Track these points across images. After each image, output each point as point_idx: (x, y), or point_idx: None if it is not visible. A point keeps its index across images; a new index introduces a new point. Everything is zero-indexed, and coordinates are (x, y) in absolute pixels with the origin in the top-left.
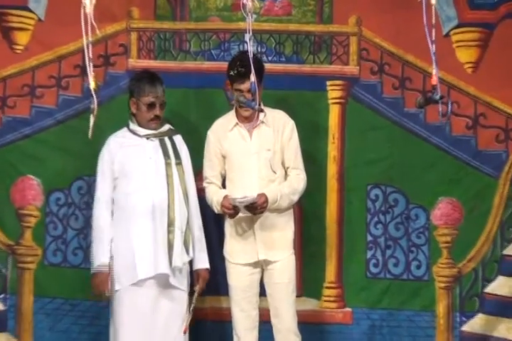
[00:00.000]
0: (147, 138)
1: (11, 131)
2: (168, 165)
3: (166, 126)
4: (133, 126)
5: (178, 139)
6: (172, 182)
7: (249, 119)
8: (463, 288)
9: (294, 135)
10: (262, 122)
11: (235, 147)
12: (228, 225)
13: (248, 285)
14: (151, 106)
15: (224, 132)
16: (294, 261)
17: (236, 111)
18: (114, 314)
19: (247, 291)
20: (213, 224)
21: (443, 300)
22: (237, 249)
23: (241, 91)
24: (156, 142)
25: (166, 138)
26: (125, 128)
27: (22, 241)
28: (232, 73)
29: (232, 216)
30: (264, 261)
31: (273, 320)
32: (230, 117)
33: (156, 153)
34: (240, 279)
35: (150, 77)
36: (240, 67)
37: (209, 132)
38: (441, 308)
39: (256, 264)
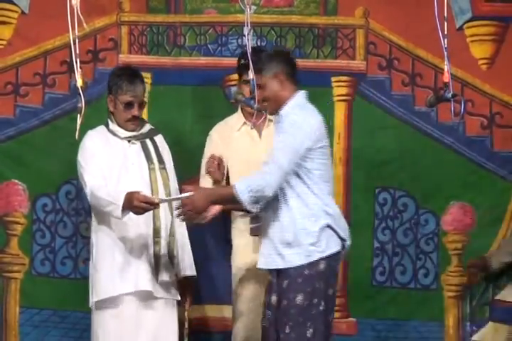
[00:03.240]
0: (128, 141)
1: None
2: (151, 170)
3: (147, 126)
4: (113, 126)
5: (160, 139)
6: (157, 189)
7: (254, 117)
8: (473, 297)
9: None
10: (271, 121)
11: (244, 147)
12: (236, 232)
13: (255, 293)
14: (128, 105)
15: (230, 132)
16: None
17: (242, 110)
18: (95, 331)
19: (254, 299)
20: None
21: (452, 310)
22: (244, 255)
23: (249, 82)
24: (137, 145)
25: (148, 140)
26: (103, 127)
27: (7, 250)
28: (243, 61)
29: None
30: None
31: None
32: (236, 117)
33: (139, 158)
34: (247, 286)
35: (130, 73)
36: (246, 59)
37: (212, 132)
38: (450, 318)
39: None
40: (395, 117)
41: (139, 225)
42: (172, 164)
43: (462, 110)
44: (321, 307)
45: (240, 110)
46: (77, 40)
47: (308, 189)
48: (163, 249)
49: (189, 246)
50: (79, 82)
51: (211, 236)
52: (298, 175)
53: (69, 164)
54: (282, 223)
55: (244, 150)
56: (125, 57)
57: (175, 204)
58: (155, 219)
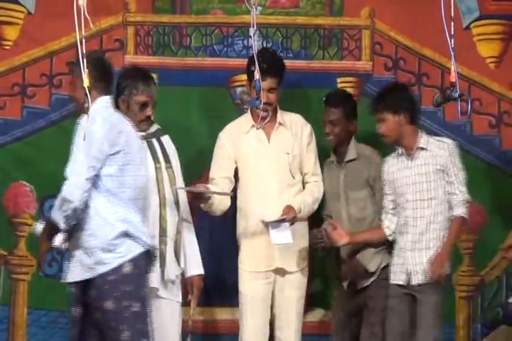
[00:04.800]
0: None
1: (1, 133)
2: (158, 169)
3: (154, 127)
4: None
5: (166, 140)
6: (163, 188)
7: (259, 118)
8: (485, 298)
9: (312, 140)
10: (281, 124)
11: (252, 150)
12: (243, 233)
13: (263, 295)
14: (143, 106)
15: (239, 135)
16: (307, 275)
17: (251, 113)
18: None
19: (262, 301)
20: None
21: (463, 311)
22: (252, 257)
23: (262, 88)
24: (144, 145)
25: (154, 140)
26: None
27: (16, 251)
28: (253, 68)
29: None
30: (280, 270)
31: (277, 333)
32: (244, 119)
33: (145, 157)
34: (255, 288)
35: (144, 74)
36: (263, 62)
37: (221, 134)
38: (461, 319)
39: (271, 273)
40: None
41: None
42: (179, 164)
43: (469, 109)
44: (134, 309)
45: (249, 112)
46: (83, 41)
47: (104, 198)
48: (170, 248)
49: (196, 245)
50: (85, 83)
51: (219, 237)
52: (94, 185)
53: None
54: (84, 234)
55: (253, 153)
56: (131, 58)
57: (183, 204)
58: (161, 219)
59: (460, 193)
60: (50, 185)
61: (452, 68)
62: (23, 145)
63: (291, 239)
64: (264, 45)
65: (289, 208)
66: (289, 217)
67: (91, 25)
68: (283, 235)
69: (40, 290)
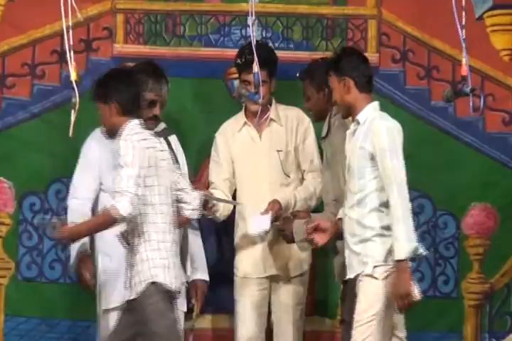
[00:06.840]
0: None
1: None
2: None
3: (162, 125)
4: None
5: (174, 140)
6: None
7: (258, 115)
8: (493, 306)
9: (310, 135)
10: (273, 120)
11: (244, 149)
12: (239, 238)
13: (258, 302)
14: (151, 104)
15: (232, 134)
16: (307, 282)
17: (245, 109)
18: (104, 337)
19: (257, 309)
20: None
21: (471, 320)
22: (247, 263)
23: (249, 82)
24: None
25: (162, 140)
26: None
27: None
28: (239, 61)
29: None
30: (275, 277)
31: None
32: (238, 117)
33: None
34: (249, 295)
35: (156, 72)
36: (249, 54)
37: (217, 134)
38: (468, 328)
39: (266, 280)
40: (409, 113)
41: None
42: (186, 166)
43: (482, 105)
44: None
45: (243, 110)
46: (70, 29)
47: None
48: (176, 253)
49: (203, 251)
50: (73, 76)
51: (215, 242)
52: None
53: (59, 160)
54: None
55: (245, 152)
56: (120, 47)
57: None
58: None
59: None
60: (31, 181)
61: (463, 61)
62: (2, 138)
63: (269, 226)
64: (264, 35)
65: (273, 203)
66: (273, 211)
67: (78, 14)
68: (261, 224)
69: (19, 295)
